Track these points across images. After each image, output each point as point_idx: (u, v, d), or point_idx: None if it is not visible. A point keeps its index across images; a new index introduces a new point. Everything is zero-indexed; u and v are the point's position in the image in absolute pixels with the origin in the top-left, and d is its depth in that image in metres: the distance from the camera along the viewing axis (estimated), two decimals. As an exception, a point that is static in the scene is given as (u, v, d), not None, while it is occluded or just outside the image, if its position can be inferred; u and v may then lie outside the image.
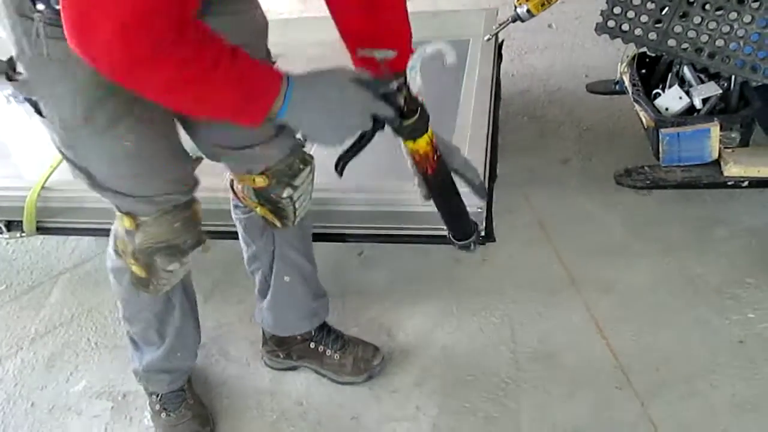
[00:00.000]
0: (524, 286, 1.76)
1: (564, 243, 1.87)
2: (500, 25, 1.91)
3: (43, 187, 1.73)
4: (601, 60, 2.78)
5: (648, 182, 1.74)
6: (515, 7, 1.79)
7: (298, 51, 2.41)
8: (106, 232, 1.79)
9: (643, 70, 1.92)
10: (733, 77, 1.74)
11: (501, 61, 2.31)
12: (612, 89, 2.10)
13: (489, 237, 1.57)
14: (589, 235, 1.89)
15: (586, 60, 2.82)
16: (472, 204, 1.51)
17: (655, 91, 1.82)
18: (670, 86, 1.81)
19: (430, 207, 1.52)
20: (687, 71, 1.83)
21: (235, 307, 1.82)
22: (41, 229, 1.79)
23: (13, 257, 2.15)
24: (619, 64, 1.99)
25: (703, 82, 1.82)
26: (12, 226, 1.80)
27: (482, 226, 1.53)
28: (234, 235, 1.68)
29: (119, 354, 1.74)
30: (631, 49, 1.90)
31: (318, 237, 1.63)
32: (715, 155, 1.72)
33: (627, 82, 1.90)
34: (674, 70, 1.87)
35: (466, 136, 1.74)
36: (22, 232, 1.77)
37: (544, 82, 2.71)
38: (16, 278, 2.06)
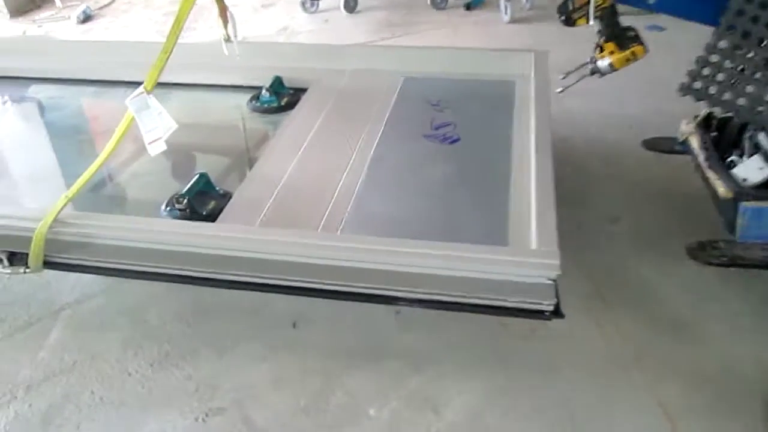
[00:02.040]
0: (581, 363, 1.60)
1: (621, 314, 1.72)
2: (568, 73, 1.77)
3: (55, 220, 1.54)
4: (641, 110, 2.66)
5: (724, 259, 1.60)
6: (595, 60, 1.65)
7: (332, 79, 2.28)
8: (118, 272, 1.63)
9: (714, 133, 1.79)
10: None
11: (546, 105, 2.18)
12: (673, 148, 1.96)
13: (557, 313, 1.41)
14: (648, 307, 1.74)
15: (627, 109, 2.70)
16: (542, 275, 1.37)
17: (729, 159, 1.69)
18: (748, 153, 1.67)
19: (485, 273, 1.38)
20: (763, 138, 1.70)
21: (259, 366, 1.63)
22: (48, 264, 1.60)
23: (8, 285, 1.95)
24: (684, 123, 1.85)
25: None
26: (15, 259, 1.60)
27: (554, 300, 1.38)
28: (255, 287, 1.51)
29: (127, 413, 1.54)
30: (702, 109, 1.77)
31: (356, 296, 1.47)
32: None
33: (696, 145, 1.76)
34: (747, 134, 1.74)
35: (530, 186, 1.60)
36: (27, 267, 1.58)
37: (585, 130, 2.58)
38: (11, 311, 1.86)
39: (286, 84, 2.30)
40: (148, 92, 1.65)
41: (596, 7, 1.53)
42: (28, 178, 2.03)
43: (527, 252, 1.41)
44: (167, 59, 1.66)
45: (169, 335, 1.73)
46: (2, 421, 1.54)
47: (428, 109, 2.09)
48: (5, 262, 1.60)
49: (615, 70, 1.63)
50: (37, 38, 3.68)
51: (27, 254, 1.56)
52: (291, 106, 2.20)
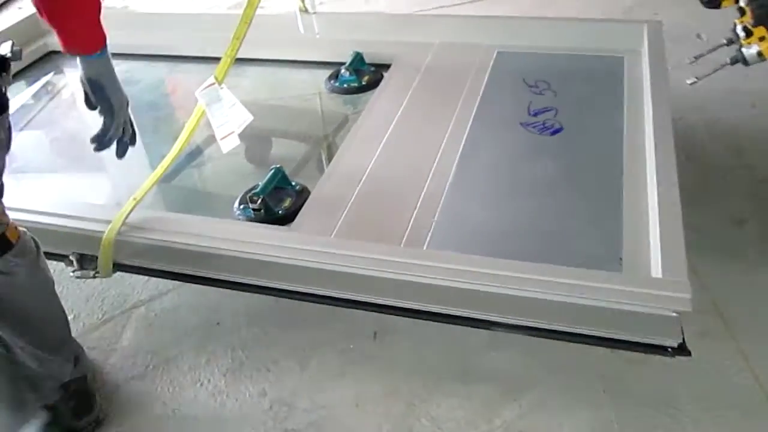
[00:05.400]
0: (706, 400, 1.38)
1: (750, 340, 1.49)
2: (698, 57, 1.50)
3: (123, 224, 1.45)
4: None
5: None
6: (740, 46, 1.38)
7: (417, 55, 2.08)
8: (188, 278, 1.52)
9: None
10: None
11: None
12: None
13: (683, 350, 1.20)
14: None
15: (749, 84, 2.36)
16: (667, 307, 1.16)
17: None
18: None
19: (596, 302, 1.18)
20: None
21: (338, 382, 1.51)
22: (118, 266, 1.52)
23: (81, 279, 1.89)
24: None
25: None
26: (85, 261, 1.52)
27: (680, 337, 1.17)
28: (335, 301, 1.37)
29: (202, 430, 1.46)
30: None
31: (447, 318, 1.30)
32: None
33: None
34: None
35: (649, 192, 1.39)
36: (96, 271, 1.50)
37: (700, 108, 2.28)
38: (85, 307, 1.80)
39: (367, 60, 2.11)
40: (220, 83, 1.52)
41: (749, -17, 1.27)
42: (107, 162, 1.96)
43: (649, 281, 1.19)
44: (239, 47, 1.51)
45: (243, 342, 1.63)
46: (76, 431, 1.49)
47: (525, 90, 1.87)
48: (75, 264, 1.53)
49: (764, 59, 1.36)
50: (115, 11, 3.61)
51: (96, 257, 1.49)
52: (373, 85, 2.02)
